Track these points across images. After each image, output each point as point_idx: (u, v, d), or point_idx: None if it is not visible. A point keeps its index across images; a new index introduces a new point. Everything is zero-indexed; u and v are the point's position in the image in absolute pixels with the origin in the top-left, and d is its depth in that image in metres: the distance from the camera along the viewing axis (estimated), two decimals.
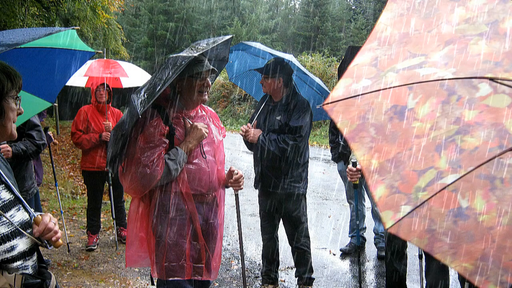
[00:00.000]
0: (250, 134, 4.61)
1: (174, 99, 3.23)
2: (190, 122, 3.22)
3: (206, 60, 3.22)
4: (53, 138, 5.87)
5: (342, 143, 5.49)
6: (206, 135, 3.20)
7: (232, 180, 3.43)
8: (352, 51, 5.54)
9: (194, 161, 3.20)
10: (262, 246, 5.10)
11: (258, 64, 5.26)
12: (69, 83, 6.82)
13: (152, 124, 3.07)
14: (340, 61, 5.99)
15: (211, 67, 3.20)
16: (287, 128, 4.54)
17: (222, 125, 3.56)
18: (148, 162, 2.98)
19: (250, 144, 4.74)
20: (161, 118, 3.12)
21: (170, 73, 2.89)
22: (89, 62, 6.53)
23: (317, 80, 5.26)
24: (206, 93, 3.25)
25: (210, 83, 3.25)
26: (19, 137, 4.61)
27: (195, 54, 2.97)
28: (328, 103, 1.67)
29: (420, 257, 4.00)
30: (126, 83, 7.22)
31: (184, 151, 3.11)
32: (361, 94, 1.61)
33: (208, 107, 3.54)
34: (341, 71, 5.51)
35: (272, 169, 4.65)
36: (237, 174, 3.43)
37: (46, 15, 16.21)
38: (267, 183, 4.71)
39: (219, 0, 49.97)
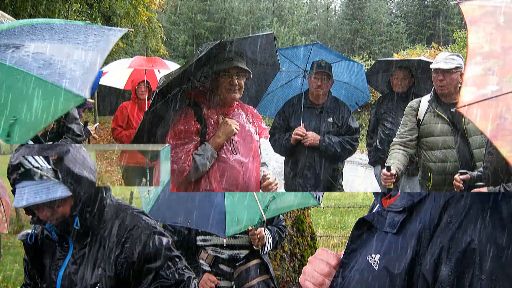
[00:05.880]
0: (310, 138, 4.46)
1: (210, 96, 3.21)
2: (224, 118, 3.18)
3: (236, 58, 3.09)
4: (92, 133, 5.92)
5: (379, 147, 5.36)
6: (236, 131, 3.12)
7: (264, 184, 3.29)
8: (379, 65, 5.52)
9: (223, 158, 3.12)
10: None
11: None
12: (108, 83, 7.06)
13: (183, 122, 3.06)
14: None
15: (239, 65, 3.05)
16: (343, 130, 4.51)
17: (264, 126, 3.45)
18: (176, 158, 2.97)
19: (293, 147, 4.57)
20: (193, 116, 3.10)
21: (192, 60, 2.89)
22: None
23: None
24: (235, 91, 3.11)
25: (239, 81, 3.10)
26: (59, 129, 4.64)
27: (216, 42, 2.90)
28: (461, 107, 1.67)
29: None
30: None
31: (212, 146, 3.05)
32: (494, 97, 1.61)
33: (250, 106, 3.48)
34: (368, 81, 5.40)
35: (330, 170, 4.60)
36: (268, 178, 3.29)
37: (89, 11, 16.56)
38: (325, 184, 4.63)
39: (259, 1, 50.08)
